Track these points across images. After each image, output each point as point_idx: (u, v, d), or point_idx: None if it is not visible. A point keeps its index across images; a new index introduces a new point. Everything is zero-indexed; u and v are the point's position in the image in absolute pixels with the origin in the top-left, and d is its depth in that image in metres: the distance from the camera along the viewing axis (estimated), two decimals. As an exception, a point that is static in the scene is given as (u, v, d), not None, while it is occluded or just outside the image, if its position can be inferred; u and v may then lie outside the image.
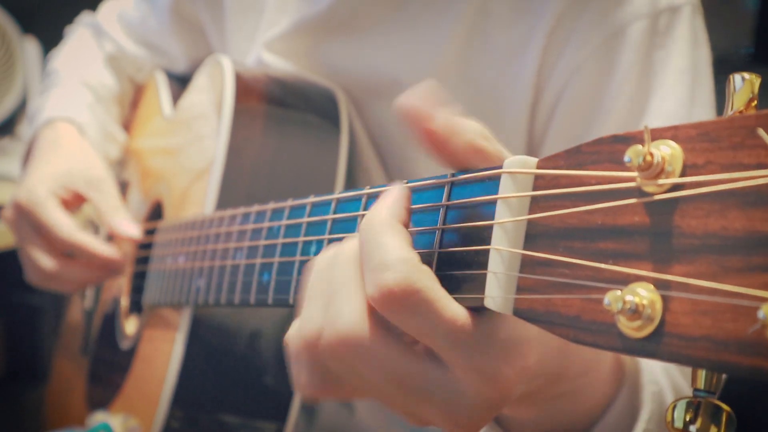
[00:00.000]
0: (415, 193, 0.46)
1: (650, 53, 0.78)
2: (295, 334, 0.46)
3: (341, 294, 0.44)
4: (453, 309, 0.41)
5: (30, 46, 1.84)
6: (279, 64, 0.93)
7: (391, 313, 0.41)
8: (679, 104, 0.77)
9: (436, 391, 0.43)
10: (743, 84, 0.34)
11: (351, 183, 0.86)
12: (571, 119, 0.81)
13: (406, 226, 0.45)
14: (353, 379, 0.44)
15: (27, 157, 1.08)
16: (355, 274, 0.44)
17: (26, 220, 0.97)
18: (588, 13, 0.78)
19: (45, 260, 0.96)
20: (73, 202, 1.00)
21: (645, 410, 0.56)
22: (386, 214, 0.44)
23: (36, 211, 0.96)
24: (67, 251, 0.97)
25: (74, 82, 1.14)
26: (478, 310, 0.41)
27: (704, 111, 0.79)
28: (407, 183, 0.47)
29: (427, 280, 0.41)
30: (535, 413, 0.51)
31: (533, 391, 0.47)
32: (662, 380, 0.60)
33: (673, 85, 0.78)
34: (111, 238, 1.09)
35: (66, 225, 0.95)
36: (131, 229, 0.96)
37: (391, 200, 0.45)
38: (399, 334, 0.43)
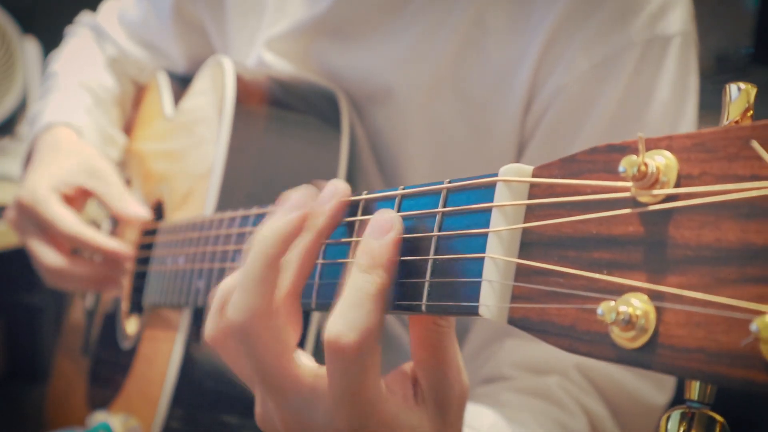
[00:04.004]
0: (412, 199, 0.46)
1: (637, 82, 0.78)
2: None
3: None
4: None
5: (30, 46, 1.84)
6: (278, 65, 0.92)
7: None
8: (660, 134, 0.77)
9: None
10: (739, 94, 0.34)
11: (350, 185, 0.85)
12: (550, 141, 0.80)
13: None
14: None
15: (27, 161, 1.09)
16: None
17: (29, 218, 0.98)
18: (581, 35, 0.78)
19: (51, 257, 0.96)
20: (77, 198, 1.00)
21: None
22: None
23: (38, 209, 0.96)
24: (72, 247, 0.97)
25: (74, 85, 1.13)
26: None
27: None
28: (404, 189, 0.47)
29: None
30: None
31: None
32: None
33: (655, 115, 0.78)
34: (116, 229, 1.09)
35: (69, 219, 0.95)
36: (140, 210, 0.96)
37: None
38: None
